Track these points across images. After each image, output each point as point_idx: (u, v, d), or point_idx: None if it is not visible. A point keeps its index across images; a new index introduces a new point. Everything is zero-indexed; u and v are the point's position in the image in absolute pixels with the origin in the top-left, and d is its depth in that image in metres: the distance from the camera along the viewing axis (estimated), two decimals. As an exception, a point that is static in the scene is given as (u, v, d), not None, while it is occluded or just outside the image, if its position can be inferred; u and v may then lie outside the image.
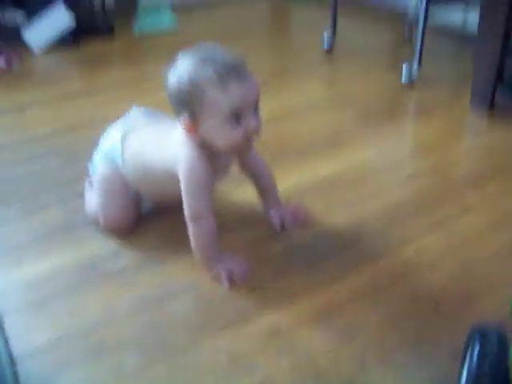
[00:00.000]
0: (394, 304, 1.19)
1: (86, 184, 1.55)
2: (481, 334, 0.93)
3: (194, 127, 1.20)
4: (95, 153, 1.46)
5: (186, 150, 1.25)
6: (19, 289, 1.28)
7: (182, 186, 1.25)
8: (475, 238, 1.39)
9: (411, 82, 2.31)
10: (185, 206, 1.25)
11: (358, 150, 1.82)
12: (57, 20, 2.93)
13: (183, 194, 1.25)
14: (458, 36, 2.91)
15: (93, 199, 1.48)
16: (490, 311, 1.15)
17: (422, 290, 1.23)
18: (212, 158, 1.26)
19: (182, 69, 1.20)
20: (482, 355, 0.90)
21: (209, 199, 1.26)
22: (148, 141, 1.36)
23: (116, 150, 1.38)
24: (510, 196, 1.56)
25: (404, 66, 2.33)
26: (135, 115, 1.45)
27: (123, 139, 1.38)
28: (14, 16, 2.94)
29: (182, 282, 1.27)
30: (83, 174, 1.59)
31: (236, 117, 1.16)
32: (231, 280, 1.25)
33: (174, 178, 1.26)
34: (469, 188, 1.61)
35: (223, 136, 1.19)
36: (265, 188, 1.45)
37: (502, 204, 1.53)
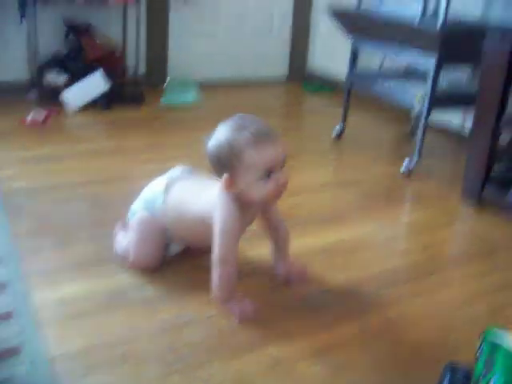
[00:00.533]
0: (380, 350, 1.37)
1: (117, 226, 1.76)
2: (451, 369, 1.11)
3: (232, 183, 1.42)
4: (135, 202, 1.67)
5: (223, 201, 1.46)
6: (55, 304, 1.46)
7: (216, 231, 1.45)
8: (455, 305, 1.59)
9: (410, 174, 2.56)
10: (215, 248, 1.45)
11: (358, 225, 2.04)
12: (94, 85, 3.22)
13: (216, 238, 1.45)
14: (456, 136, 3.20)
15: (124, 240, 1.69)
16: (464, 361, 1.33)
17: (404, 341, 1.42)
18: (243, 210, 1.47)
19: (221, 135, 1.43)
20: (450, 386, 1.08)
21: (237, 246, 1.47)
22: (189, 191, 1.59)
23: (158, 198, 1.59)
24: (486, 277, 1.76)
25: (406, 160, 2.59)
26: (178, 171, 1.67)
27: (166, 189, 1.59)
28: (57, 77, 3.23)
29: (198, 314, 1.46)
30: (111, 218, 1.84)
31: (268, 173, 1.39)
32: (242, 317, 1.44)
33: (206, 224, 1.47)
34: (453, 265, 1.82)
35: (258, 189, 1.41)
36: (279, 242, 1.65)
37: (479, 282, 1.73)
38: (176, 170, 1.67)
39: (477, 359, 1.05)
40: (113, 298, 1.50)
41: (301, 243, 1.84)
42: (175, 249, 1.70)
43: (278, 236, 1.65)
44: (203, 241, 1.55)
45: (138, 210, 1.65)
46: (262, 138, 1.39)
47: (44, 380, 1.19)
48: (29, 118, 2.94)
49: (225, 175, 1.42)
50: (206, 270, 1.48)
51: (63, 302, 1.47)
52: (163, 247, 1.65)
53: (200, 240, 1.60)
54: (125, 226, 1.74)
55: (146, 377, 1.23)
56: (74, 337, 1.34)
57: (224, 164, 1.42)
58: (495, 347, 1.06)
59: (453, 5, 2.39)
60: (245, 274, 1.66)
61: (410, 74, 2.84)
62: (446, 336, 1.45)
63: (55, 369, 1.23)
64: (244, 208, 1.48)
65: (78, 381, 1.21)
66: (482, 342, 1.12)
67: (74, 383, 1.20)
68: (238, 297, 1.48)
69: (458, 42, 2.40)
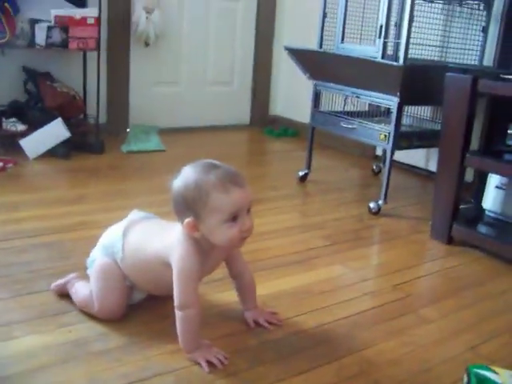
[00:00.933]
0: (358, 394, 1.31)
1: (72, 277, 1.67)
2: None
3: (195, 227, 1.36)
4: (94, 249, 1.61)
5: (182, 244, 1.40)
6: (9, 360, 1.36)
7: (174, 275, 1.39)
8: (431, 344, 1.55)
9: (377, 214, 2.55)
10: (175, 294, 1.39)
11: (326, 267, 2.00)
12: (53, 133, 3.15)
13: (174, 283, 1.39)
14: (422, 175, 3.23)
15: (83, 289, 1.59)
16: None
17: (382, 382, 1.35)
18: (204, 255, 1.42)
19: (187, 176, 1.38)
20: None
21: (197, 291, 1.41)
22: (147, 233, 1.53)
23: (117, 242, 1.53)
24: (459, 313, 1.73)
25: (371, 202, 2.58)
26: (137, 215, 1.62)
27: (125, 232, 1.53)
28: (15, 126, 3.16)
29: (164, 365, 1.38)
30: (71, 267, 1.77)
31: (233, 217, 1.34)
32: (209, 364, 1.37)
33: (163, 267, 1.42)
34: (425, 303, 1.78)
35: (222, 233, 1.35)
36: (245, 288, 1.60)
37: (452, 320, 1.69)
38: (135, 214, 1.62)
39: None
40: (73, 351, 1.41)
41: (268, 287, 1.78)
42: (138, 296, 1.61)
43: (243, 283, 1.60)
44: (162, 287, 1.49)
45: (96, 256, 1.58)
46: (229, 180, 1.34)
47: None
48: (-15, 167, 2.86)
49: (188, 218, 1.37)
50: (172, 318, 1.41)
51: (20, 356, 1.37)
52: (126, 293, 1.57)
53: (159, 287, 1.52)
54: (80, 275, 1.66)
55: None
56: (30, 395, 1.25)
57: (189, 205, 1.36)
58: (484, 380, 1.01)
59: (410, 50, 2.44)
60: (213, 318, 1.59)
61: (374, 114, 2.85)
62: (425, 375, 1.40)
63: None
64: (205, 252, 1.42)
65: None
66: (469, 375, 1.07)
67: None
68: (205, 345, 1.41)
69: (420, 79, 2.43)
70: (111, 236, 1.57)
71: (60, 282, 1.67)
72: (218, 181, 1.33)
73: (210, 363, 1.37)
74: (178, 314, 1.39)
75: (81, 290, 1.61)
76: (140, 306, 1.62)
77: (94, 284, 1.55)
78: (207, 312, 1.61)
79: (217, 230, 1.35)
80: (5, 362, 1.35)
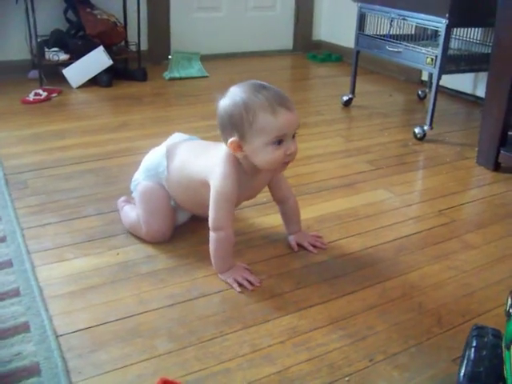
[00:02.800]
0: (401, 315, 1.32)
1: (121, 200, 1.72)
2: (478, 331, 1.06)
3: (239, 146, 1.35)
4: (136, 173, 1.63)
5: (224, 164, 1.40)
6: (62, 280, 1.41)
7: (211, 195, 1.40)
8: (475, 269, 1.54)
9: (422, 139, 2.50)
10: (210, 214, 1.41)
11: (370, 192, 1.98)
12: (95, 61, 3.15)
13: (210, 203, 1.40)
14: (469, 100, 3.14)
15: (131, 213, 1.63)
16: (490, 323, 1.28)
17: (425, 305, 1.36)
18: (246, 177, 1.42)
19: (235, 95, 1.35)
20: (478, 349, 1.03)
21: (231, 213, 1.42)
22: (192, 152, 1.53)
23: (161, 163, 1.54)
24: (504, 239, 1.70)
25: (417, 127, 2.52)
26: (177, 136, 1.63)
27: (168, 152, 1.54)
28: (58, 55, 3.17)
29: (210, 286, 1.41)
30: (117, 192, 1.81)
31: (279, 140, 1.33)
32: (241, 285, 1.40)
33: (206, 188, 1.42)
34: (470, 229, 1.76)
35: (265, 155, 1.34)
36: (289, 212, 1.61)
37: (497, 246, 1.67)
38: (176, 136, 1.62)
39: (508, 316, 0.99)
40: (121, 272, 1.46)
41: (313, 211, 1.79)
42: (182, 217, 1.64)
43: (287, 207, 1.60)
44: (203, 207, 1.48)
45: (139, 179, 1.60)
46: (278, 102, 1.32)
47: (52, 356, 1.15)
48: (30, 96, 2.89)
49: (233, 137, 1.35)
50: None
51: (70, 278, 1.43)
52: (173, 214, 1.60)
53: (200, 206, 1.50)
54: (129, 198, 1.69)
55: (158, 351, 1.19)
56: (82, 312, 1.30)
57: (235, 124, 1.34)
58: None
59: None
60: (258, 241, 1.62)
61: (420, 37, 2.75)
62: (468, 299, 1.40)
63: (63, 345, 1.19)
64: (247, 175, 1.42)
65: (87, 356, 1.16)
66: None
67: (83, 359, 1.16)
68: (238, 266, 1.45)
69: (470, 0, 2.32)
70: (154, 157, 1.58)
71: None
72: (267, 101, 1.31)
73: (239, 283, 1.40)
74: (211, 234, 1.42)
75: (128, 213, 1.65)
76: (187, 229, 1.66)
77: (140, 207, 1.58)
78: (252, 235, 1.64)
79: (261, 151, 1.34)
80: (58, 282, 1.41)
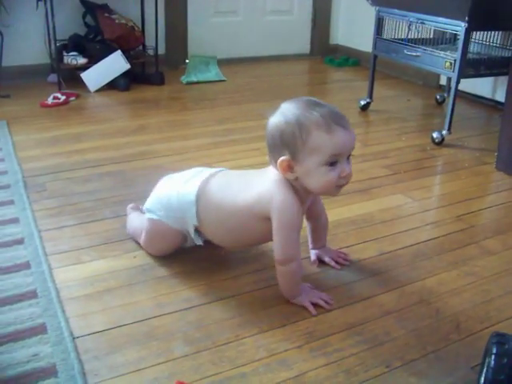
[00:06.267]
0: (418, 322, 1.31)
1: (129, 207, 1.70)
2: (498, 338, 1.05)
3: (290, 167, 1.26)
4: (151, 202, 1.52)
5: (282, 192, 1.29)
6: (79, 282, 1.42)
7: (275, 228, 1.29)
8: (493, 275, 1.52)
9: (441, 144, 2.48)
10: (276, 247, 1.31)
11: (388, 197, 1.97)
12: (113, 65, 3.18)
13: (275, 236, 1.30)
14: (488, 105, 3.11)
15: (136, 220, 1.61)
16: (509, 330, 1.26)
17: (443, 311, 1.35)
18: (301, 202, 1.32)
19: (287, 111, 1.26)
20: (499, 357, 1.01)
21: (299, 242, 1.33)
22: (229, 189, 1.40)
23: (189, 210, 1.42)
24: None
25: (435, 132, 2.51)
26: (199, 171, 1.49)
27: (198, 198, 1.41)
28: (76, 59, 3.19)
29: (227, 290, 1.41)
30: (134, 195, 1.82)
31: (333, 161, 1.24)
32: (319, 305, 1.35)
33: (262, 221, 1.32)
34: (489, 235, 1.74)
35: (318, 177, 1.25)
36: (320, 228, 1.55)
37: (521, 251, 1.65)
38: (197, 171, 1.49)
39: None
40: (138, 275, 1.46)
41: (330, 215, 1.74)
42: (192, 242, 1.52)
43: (319, 224, 1.54)
44: (251, 241, 1.43)
45: (154, 214, 1.49)
46: (334, 120, 1.22)
47: (69, 358, 1.15)
48: (49, 100, 2.92)
49: (283, 156, 1.26)
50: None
51: (87, 280, 1.43)
52: (175, 247, 1.53)
53: (247, 241, 1.45)
54: (138, 208, 1.69)
55: (174, 354, 1.18)
56: (98, 315, 1.30)
57: (286, 142, 1.24)
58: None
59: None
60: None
61: (439, 41, 2.74)
62: (487, 306, 1.38)
63: (80, 347, 1.20)
64: (302, 199, 1.32)
65: (103, 359, 1.17)
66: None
67: (99, 361, 1.16)
68: (307, 288, 1.38)
69: (490, 2, 2.29)
70: (179, 201, 1.44)
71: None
72: (322, 119, 1.22)
73: (315, 305, 1.34)
74: (279, 268, 1.33)
75: (133, 221, 1.63)
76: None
77: (145, 234, 1.53)
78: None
79: (313, 172, 1.24)
80: (75, 284, 1.42)
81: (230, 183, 1.42)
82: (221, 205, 1.38)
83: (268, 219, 1.31)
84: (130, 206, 1.71)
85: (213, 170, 1.48)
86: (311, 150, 1.23)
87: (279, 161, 1.26)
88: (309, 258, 1.56)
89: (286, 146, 1.25)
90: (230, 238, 1.44)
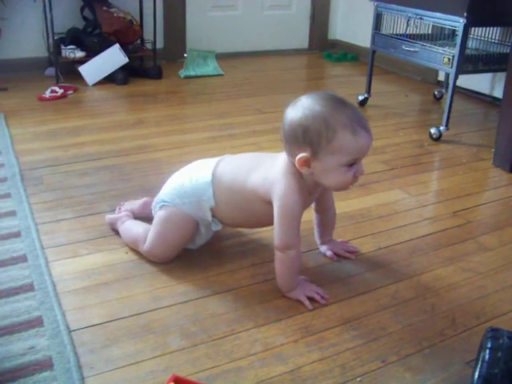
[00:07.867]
0: (414, 317, 1.31)
1: (123, 214, 1.62)
2: (493, 333, 1.05)
3: (308, 163, 1.25)
4: (163, 193, 1.49)
5: (287, 179, 1.30)
6: (75, 276, 1.42)
7: (276, 214, 1.30)
8: (490, 271, 1.52)
9: (438, 140, 2.48)
10: (276, 234, 1.32)
11: (385, 192, 1.98)
12: (111, 59, 3.17)
13: (276, 222, 1.31)
14: (485, 101, 3.12)
15: (133, 228, 1.55)
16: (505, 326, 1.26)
17: (439, 307, 1.35)
18: (307, 192, 1.33)
19: (311, 108, 1.24)
20: (493, 351, 1.02)
21: (299, 230, 1.33)
22: (242, 168, 1.41)
23: (205, 192, 1.41)
24: (525, 241, 1.69)
25: (432, 128, 2.51)
26: (207, 161, 1.49)
27: (213, 178, 1.41)
28: (74, 53, 3.18)
29: (223, 284, 1.41)
30: (132, 189, 1.83)
31: (353, 163, 1.25)
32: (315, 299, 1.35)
33: (265, 204, 1.34)
34: (485, 231, 1.74)
35: (336, 176, 1.25)
36: (328, 222, 1.56)
37: (513, 248, 1.66)
38: (209, 160, 1.49)
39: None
40: (135, 269, 1.46)
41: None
42: (200, 241, 1.54)
43: (327, 217, 1.55)
44: (257, 222, 1.44)
45: (168, 202, 1.46)
46: (358, 122, 1.23)
47: (65, 351, 1.15)
48: (47, 93, 2.91)
49: (304, 153, 1.24)
50: (232, 239, 1.43)
51: (84, 273, 1.43)
52: (183, 246, 1.51)
53: (253, 221, 1.45)
54: (131, 214, 1.64)
55: (170, 348, 1.19)
56: (95, 308, 1.30)
57: (310, 139, 1.22)
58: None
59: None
60: (270, 241, 1.60)
61: (437, 37, 2.74)
62: (483, 302, 1.38)
63: (76, 340, 1.20)
64: (308, 190, 1.33)
65: (99, 352, 1.17)
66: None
67: (95, 354, 1.16)
68: (302, 281, 1.39)
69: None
70: (195, 184, 1.43)
71: (114, 216, 1.63)
72: (348, 120, 1.22)
73: (311, 299, 1.35)
74: (278, 254, 1.34)
75: (132, 228, 1.56)
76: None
77: (157, 227, 1.47)
78: (264, 234, 1.63)
79: (332, 171, 1.25)
80: (72, 277, 1.42)
81: (243, 163, 1.43)
82: (233, 184, 1.39)
83: (270, 203, 1.32)
84: (124, 213, 1.63)
85: (219, 157, 1.48)
86: (334, 150, 1.22)
87: (298, 156, 1.25)
88: (313, 250, 1.57)
89: (309, 143, 1.23)
90: (241, 218, 1.46)
